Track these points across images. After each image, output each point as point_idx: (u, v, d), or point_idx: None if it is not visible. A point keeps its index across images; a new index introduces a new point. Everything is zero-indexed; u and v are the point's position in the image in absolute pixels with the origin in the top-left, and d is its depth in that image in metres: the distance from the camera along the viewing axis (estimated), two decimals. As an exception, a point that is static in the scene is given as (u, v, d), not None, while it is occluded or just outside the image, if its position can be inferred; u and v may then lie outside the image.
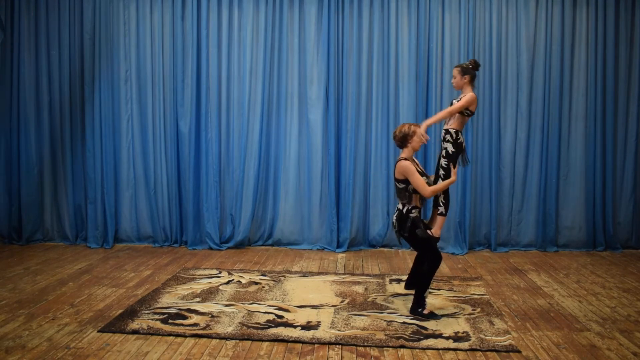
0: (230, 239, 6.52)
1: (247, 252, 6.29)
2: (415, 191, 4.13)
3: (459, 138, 4.20)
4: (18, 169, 6.49)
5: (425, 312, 4.10)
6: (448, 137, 4.20)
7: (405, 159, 4.12)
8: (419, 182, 4.05)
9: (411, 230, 4.14)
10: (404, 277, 5.13)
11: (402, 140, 4.16)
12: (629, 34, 6.40)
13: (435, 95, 6.37)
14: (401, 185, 4.14)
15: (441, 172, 4.22)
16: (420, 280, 4.18)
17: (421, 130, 4.13)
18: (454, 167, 4.20)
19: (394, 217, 4.24)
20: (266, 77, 6.41)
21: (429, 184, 4.17)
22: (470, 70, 4.26)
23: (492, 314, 4.15)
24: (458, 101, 4.21)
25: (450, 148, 4.18)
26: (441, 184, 4.17)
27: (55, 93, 6.48)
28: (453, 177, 4.18)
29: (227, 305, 4.28)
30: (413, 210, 4.15)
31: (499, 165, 6.44)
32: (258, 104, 6.45)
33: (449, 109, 4.20)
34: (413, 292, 4.53)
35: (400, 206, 4.20)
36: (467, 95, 4.18)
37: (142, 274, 5.25)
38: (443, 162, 4.21)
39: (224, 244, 6.49)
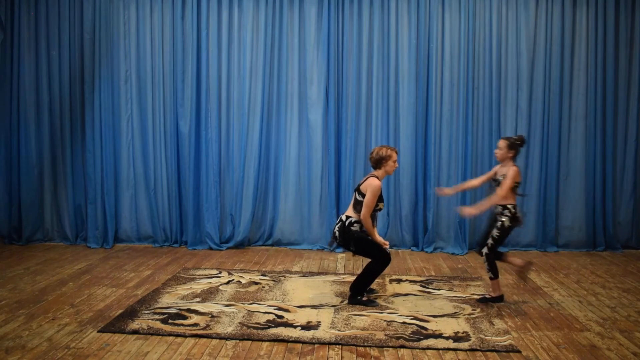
0: (230, 239, 6.52)
1: (247, 252, 6.29)
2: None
3: (517, 212, 4.29)
4: (18, 169, 6.49)
5: (364, 299, 4.35)
6: (507, 212, 4.25)
7: (378, 178, 4.30)
8: (370, 204, 4.22)
9: (356, 242, 4.27)
10: (404, 277, 5.14)
11: (377, 162, 4.34)
12: (629, 34, 6.40)
13: (435, 95, 6.37)
14: (361, 198, 4.28)
15: (489, 241, 4.30)
16: (366, 274, 4.29)
17: (473, 212, 4.38)
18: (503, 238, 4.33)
19: (336, 228, 4.36)
20: (266, 77, 6.41)
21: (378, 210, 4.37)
22: (517, 147, 4.37)
23: (492, 314, 4.15)
24: (502, 178, 4.28)
25: (507, 222, 4.26)
26: (371, 227, 4.28)
27: (55, 93, 6.48)
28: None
29: (227, 305, 4.28)
30: (355, 224, 4.30)
31: (499, 165, 6.44)
32: (258, 104, 6.45)
33: (500, 192, 4.23)
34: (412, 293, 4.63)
35: (343, 218, 4.34)
36: (511, 171, 4.25)
37: (142, 274, 5.25)
38: (495, 232, 4.27)
39: (224, 244, 6.49)
